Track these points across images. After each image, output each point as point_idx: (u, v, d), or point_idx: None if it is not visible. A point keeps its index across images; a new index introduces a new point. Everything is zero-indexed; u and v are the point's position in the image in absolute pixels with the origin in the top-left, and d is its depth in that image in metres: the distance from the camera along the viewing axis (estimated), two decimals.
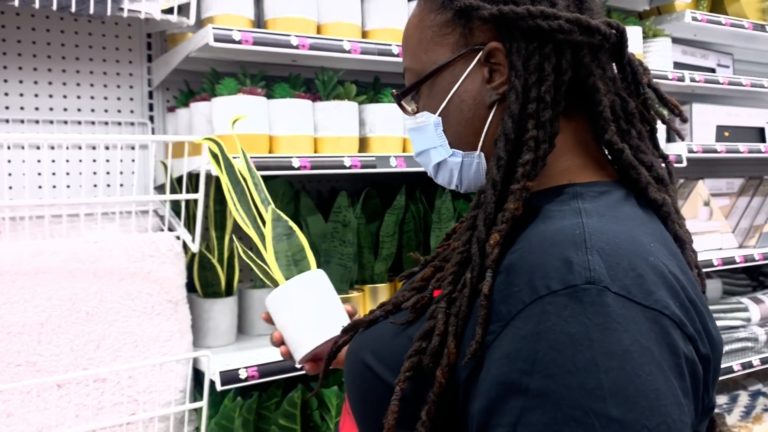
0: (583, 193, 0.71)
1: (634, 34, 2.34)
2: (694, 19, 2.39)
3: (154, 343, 1.55)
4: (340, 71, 1.82)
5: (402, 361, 0.69)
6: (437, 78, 0.79)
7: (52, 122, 1.77)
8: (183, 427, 1.59)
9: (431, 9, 0.79)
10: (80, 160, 1.79)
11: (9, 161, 1.73)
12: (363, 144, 1.86)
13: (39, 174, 1.75)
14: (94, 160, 1.82)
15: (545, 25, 0.71)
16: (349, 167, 1.71)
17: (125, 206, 1.72)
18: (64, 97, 1.79)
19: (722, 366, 2.36)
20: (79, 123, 1.81)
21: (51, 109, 1.78)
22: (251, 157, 1.30)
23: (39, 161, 1.75)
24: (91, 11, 1.49)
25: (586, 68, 0.73)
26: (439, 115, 0.79)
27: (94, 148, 1.81)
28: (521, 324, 0.60)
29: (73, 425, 1.44)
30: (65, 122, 1.80)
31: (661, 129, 2.07)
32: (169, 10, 1.61)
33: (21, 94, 1.75)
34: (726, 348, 2.47)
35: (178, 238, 1.64)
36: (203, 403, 1.58)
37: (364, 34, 1.86)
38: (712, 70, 2.82)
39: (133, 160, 1.86)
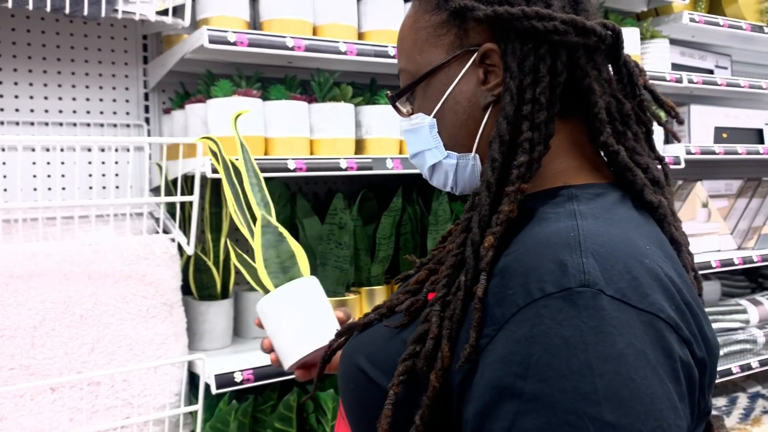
0: (578, 196, 0.70)
1: (631, 35, 2.34)
2: (692, 20, 2.39)
3: (148, 346, 1.54)
4: (336, 73, 1.82)
5: (396, 364, 0.68)
6: (432, 79, 0.78)
7: (47, 124, 1.77)
8: (178, 430, 1.58)
9: (426, 10, 0.79)
10: (75, 162, 1.78)
11: (3, 163, 1.72)
12: (359, 146, 1.86)
13: (34, 176, 1.74)
14: (89, 162, 1.82)
15: (540, 26, 0.70)
16: (346, 169, 1.70)
17: (120, 208, 1.71)
18: (60, 98, 1.79)
19: (721, 368, 2.38)
20: (75, 125, 1.80)
21: (46, 110, 1.77)
22: None
23: (34, 163, 1.75)
24: (85, 13, 1.49)
25: (581, 70, 0.73)
26: (433, 117, 0.79)
27: (89, 150, 1.81)
28: (515, 327, 0.60)
29: (67, 429, 1.43)
30: (60, 124, 1.79)
31: (658, 131, 2.08)
32: (164, 12, 1.60)
33: (16, 96, 1.74)
34: (725, 350, 2.47)
35: (173, 240, 1.63)
36: (198, 407, 1.57)
37: (360, 36, 1.85)
38: (710, 72, 2.82)
39: (128, 162, 1.85)
